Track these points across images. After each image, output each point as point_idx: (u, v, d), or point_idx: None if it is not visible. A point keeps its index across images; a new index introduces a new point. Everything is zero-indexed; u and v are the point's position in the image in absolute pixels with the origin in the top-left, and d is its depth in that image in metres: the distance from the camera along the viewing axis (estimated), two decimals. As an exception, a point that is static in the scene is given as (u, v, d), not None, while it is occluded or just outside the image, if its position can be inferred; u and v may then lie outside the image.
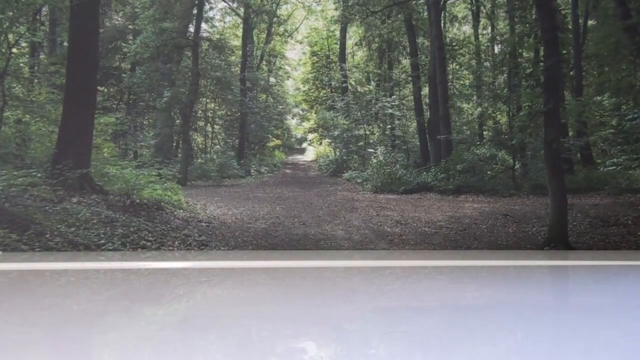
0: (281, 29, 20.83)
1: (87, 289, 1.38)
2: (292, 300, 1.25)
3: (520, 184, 11.59)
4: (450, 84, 15.69)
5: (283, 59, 22.52)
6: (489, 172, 12.26)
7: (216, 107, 18.13)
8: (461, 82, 17.45)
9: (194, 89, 13.90)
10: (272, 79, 20.86)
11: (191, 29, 14.83)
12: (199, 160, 15.59)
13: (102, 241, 5.67)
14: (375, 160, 14.36)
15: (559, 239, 6.35)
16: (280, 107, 21.00)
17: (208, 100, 17.59)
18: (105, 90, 14.17)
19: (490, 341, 0.97)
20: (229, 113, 17.87)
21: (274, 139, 20.11)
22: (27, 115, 8.91)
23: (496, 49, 17.33)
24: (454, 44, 17.04)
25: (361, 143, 16.31)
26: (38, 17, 11.67)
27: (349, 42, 20.63)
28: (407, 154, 15.91)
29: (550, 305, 1.31)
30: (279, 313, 1.15)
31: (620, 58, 10.14)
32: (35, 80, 11.52)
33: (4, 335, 0.96)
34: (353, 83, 19.57)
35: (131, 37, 14.69)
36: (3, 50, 8.42)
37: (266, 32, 19.98)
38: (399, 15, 16.49)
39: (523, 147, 12.02)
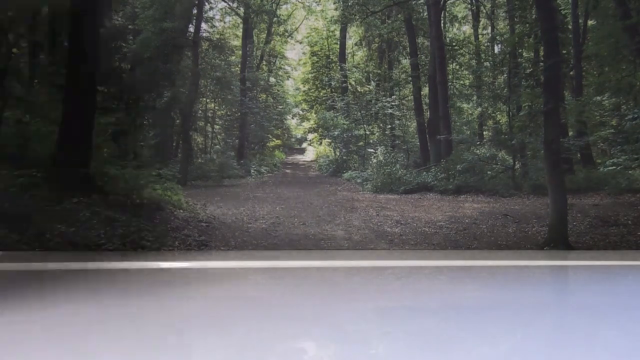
0: (281, 29, 20.83)
1: (87, 289, 1.38)
2: (292, 300, 1.25)
3: (520, 184, 11.58)
4: (450, 84, 15.68)
5: (283, 59, 22.50)
6: (489, 172, 12.25)
7: (216, 107, 18.13)
8: (461, 82, 17.44)
9: (194, 89, 13.91)
10: (272, 79, 20.85)
11: (191, 29, 14.85)
12: (199, 161, 15.59)
13: (102, 241, 5.67)
14: (375, 160, 14.36)
15: (559, 239, 6.36)
16: (280, 107, 21.00)
17: (208, 100, 17.58)
18: (105, 90, 14.16)
19: (490, 341, 0.97)
20: (229, 113, 17.87)
21: (274, 139, 20.12)
22: (27, 115, 8.90)
23: (496, 49, 17.32)
24: (454, 44, 17.03)
25: (361, 143, 16.30)
26: (38, 17, 11.65)
27: (349, 42, 20.62)
28: (407, 154, 15.91)
29: (550, 305, 1.31)
30: (279, 313, 1.15)
31: (620, 58, 10.15)
32: (35, 80, 11.50)
33: (4, 335, 0.96)
34: (353, 83, 19.57)
35: (131, 37, 14.68)
36: (3, 50, 8.41)
37: (266, 32, 19.98)
38: (399, 15, 16.50)
39: (523, 147, 12.01)
